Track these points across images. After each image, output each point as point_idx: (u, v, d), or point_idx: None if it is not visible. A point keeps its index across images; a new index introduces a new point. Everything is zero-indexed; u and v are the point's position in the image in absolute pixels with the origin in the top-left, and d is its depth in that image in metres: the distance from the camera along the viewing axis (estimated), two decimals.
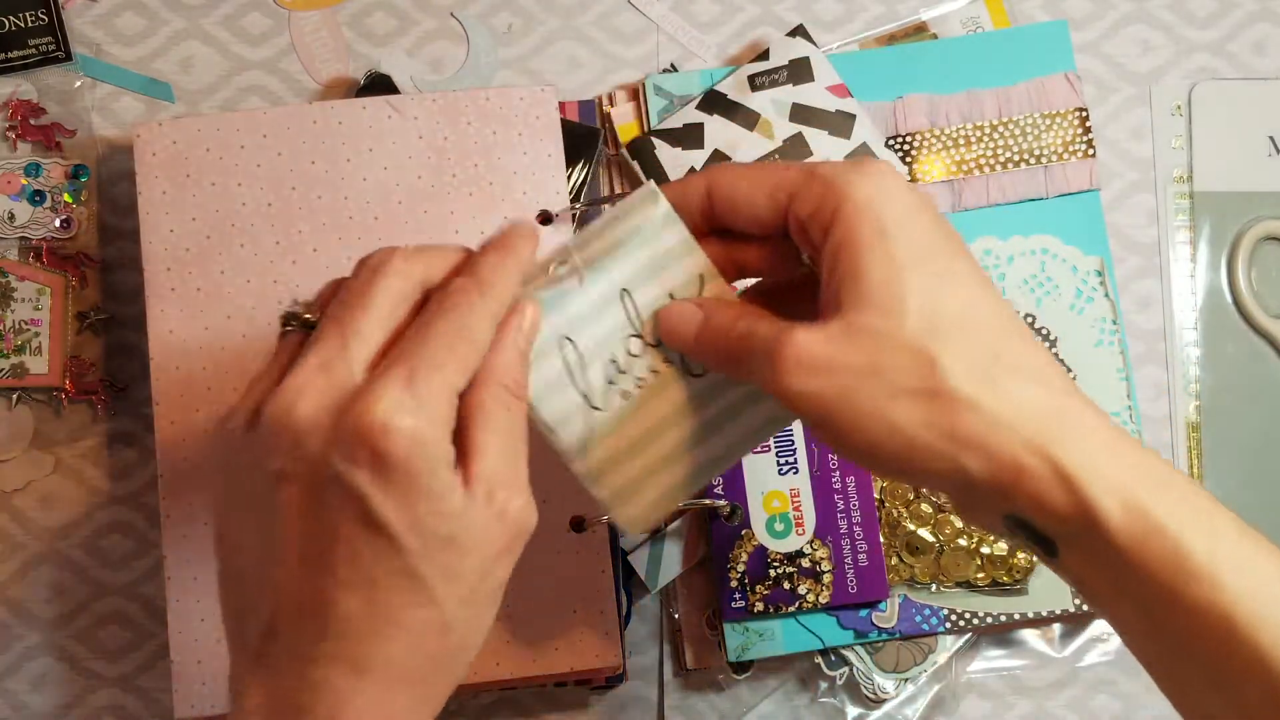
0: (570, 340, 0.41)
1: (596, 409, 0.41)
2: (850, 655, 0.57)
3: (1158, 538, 0.35)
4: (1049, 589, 0.56)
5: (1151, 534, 0.35)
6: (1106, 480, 0.36)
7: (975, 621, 0.56)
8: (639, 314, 0.41)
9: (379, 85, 0.59)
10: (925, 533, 0.57)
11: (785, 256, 0.42)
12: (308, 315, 0.39)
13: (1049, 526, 0.37)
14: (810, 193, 0.39)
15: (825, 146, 0.58)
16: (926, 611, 0.56)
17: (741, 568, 0.56)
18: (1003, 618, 0.56)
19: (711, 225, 0.42)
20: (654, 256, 0.41)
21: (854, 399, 0.37)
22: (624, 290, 0.41)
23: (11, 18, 0.60)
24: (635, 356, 0.42)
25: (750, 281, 0.44)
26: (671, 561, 0.57)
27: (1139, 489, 0.36)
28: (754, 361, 0.39)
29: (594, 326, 0.41)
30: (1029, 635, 0.59)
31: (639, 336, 0.41)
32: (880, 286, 0.37)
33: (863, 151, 0.58)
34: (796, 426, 0.56)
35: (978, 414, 0.36)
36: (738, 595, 0.56)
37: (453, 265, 0.40)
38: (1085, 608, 0.56)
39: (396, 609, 0.36)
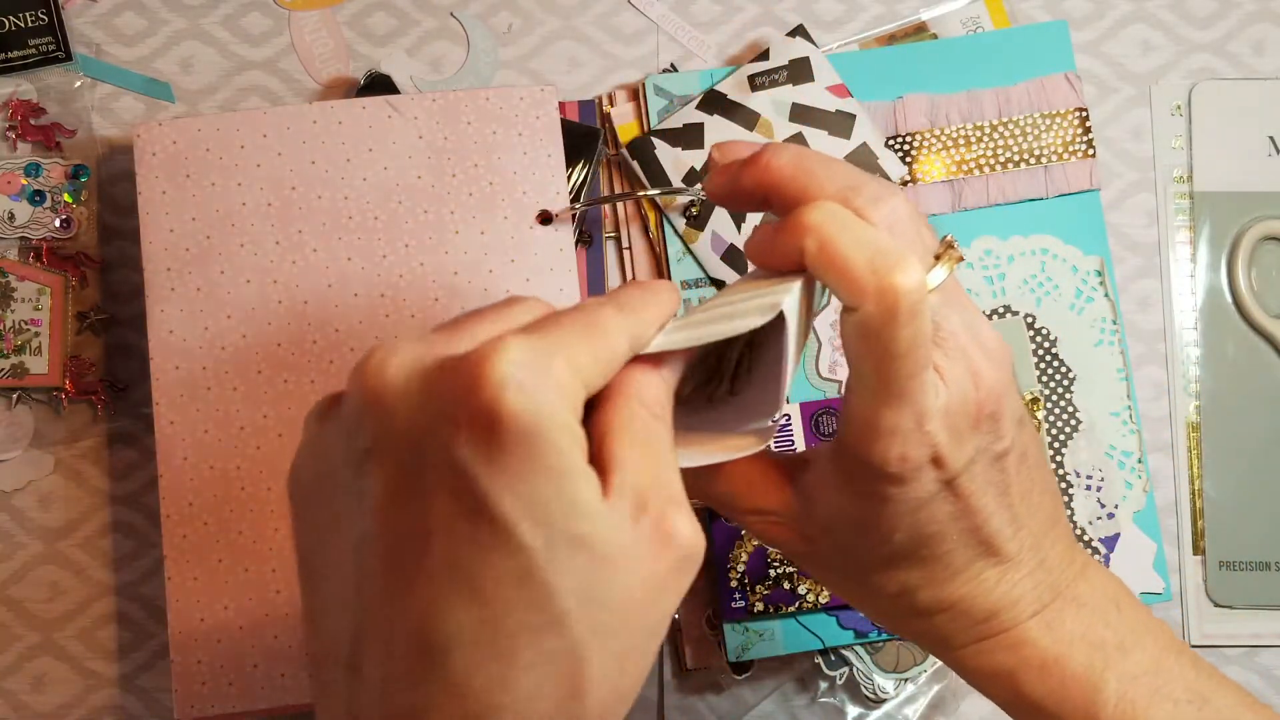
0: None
1: None
2: (850, 655, 0.57)
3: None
4: None
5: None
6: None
7: None
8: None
9: (379, 85, 0.59)
10: None
11: None
12: None
13: None
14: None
15: (825, 147, 0.58)
16: None
17: (741, 568, 0.56)
18: None
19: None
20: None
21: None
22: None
23: (11, 18, 0.60)
24: None
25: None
26: None
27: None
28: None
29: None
30: None
31: None
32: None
33: (863, 152, 0.58)
34: (795, 427, 0.56)
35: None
36: (738, 595, 0.56)
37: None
38: None
39: (512, 631, 0.27)
